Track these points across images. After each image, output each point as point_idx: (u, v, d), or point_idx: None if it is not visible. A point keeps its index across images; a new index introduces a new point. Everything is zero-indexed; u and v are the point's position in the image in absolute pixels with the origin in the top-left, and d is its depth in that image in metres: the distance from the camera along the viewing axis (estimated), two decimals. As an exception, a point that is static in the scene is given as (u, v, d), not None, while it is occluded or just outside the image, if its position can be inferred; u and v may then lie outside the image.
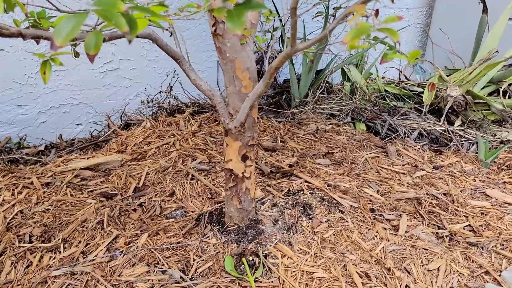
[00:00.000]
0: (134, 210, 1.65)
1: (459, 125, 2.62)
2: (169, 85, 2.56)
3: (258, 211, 1.63)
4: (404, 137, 2.44)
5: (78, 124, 2.52)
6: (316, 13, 2.06)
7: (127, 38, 0.68)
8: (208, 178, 1.83)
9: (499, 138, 2.42)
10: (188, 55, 1.38)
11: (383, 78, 3.30)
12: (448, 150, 2.34)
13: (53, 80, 2.32)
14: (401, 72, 3.02)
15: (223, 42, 1.32)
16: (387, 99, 2.84)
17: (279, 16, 2.44)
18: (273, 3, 2.72)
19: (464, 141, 2.42)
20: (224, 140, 1.46)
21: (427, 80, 3.23)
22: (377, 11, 1.08)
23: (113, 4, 0.68)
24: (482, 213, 1.77)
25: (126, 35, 0.66)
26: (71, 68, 2.34)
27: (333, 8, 2.05)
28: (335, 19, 1.17)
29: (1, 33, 0.81)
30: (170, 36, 1.35)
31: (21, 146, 2.32)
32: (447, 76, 2.96)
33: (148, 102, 2.51)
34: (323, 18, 2.72)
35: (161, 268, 1.35)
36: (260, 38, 1.41)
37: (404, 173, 2.04)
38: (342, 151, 2.18)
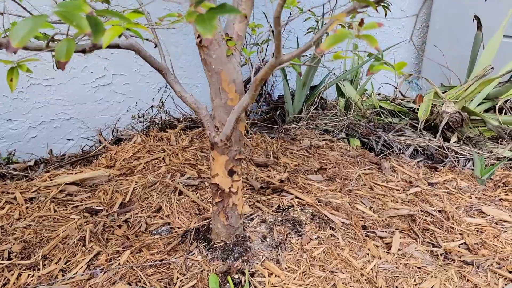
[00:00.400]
0: (119, 226, 1.60)
1: (455, 142, 2.58)
2: (161, 100, 2.54)
3: (246, 227, 1.58)
4: (399, 153, 2.40)
5: (69, 139, 2.48)
6: (308, 29, 2.05)
7: (91, 41, 0.65)
8: (196, 194, 1.79)
9: (495, 154, 2.38)
10: (172, 67, 1.36)
11: (378, 94, 3.28)
12: (444, 166, 2.30)
13: (44, 94, 2.29)
14: (396, 88, 3.00)
15: (209, 53, 1.30)
16: (382, 115, 2.82)
17: (270, 27, 2.43)
18: (265, 15, 2.72)
19: (460, 157, 2.38)
20: (210, 154, 1.42)
21: (423, 96, 3.20)
22: (361, 20, 1.06)
23: (77, 6, 0.65)
24: (478, 231, 1.72)
25: (89, 37, 0.63)
26: (62, 82, 2.32)
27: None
28: (320, 30, 1.14)
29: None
30: (155, 47, 1.33)
31: (10, 161, 2.29)
32: (443, 92, 2.94)
33: (139, 117, 2.48)
34: (315, 34, 2.71)
35: (142, 286, 1.30)
36: (247, 50, 1.39)
37: (398, 190, 2.00)
38: (335, 167, 2.14)
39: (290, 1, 1.35)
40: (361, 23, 1.06)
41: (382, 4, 1.92)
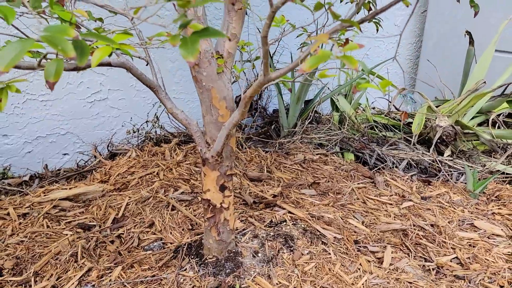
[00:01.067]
0: (112, 241, 1.60)
1: (448, 155, 2.60)
2: (155, 115, 2.56)
3: (238, 242, 1.58)
4: (393, 167, 2.41)
5: (64, 154, 2.50)
6: (301, 44, 2.08)
7: (77, 64, 0.67)
8: (189, 209, 1.80)
9: (488, 168, 2.39)
10: (163, 84, 1.37)
11: (373, 108, 3.31)
12: (437, 180, 2.31)
13: (40, 110, 2.31)
14: (390, 102, 3.03)
15: (199, 71, 1.32)
16: (376, 129, 2.84)
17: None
18: (258, 31, 2.75)
19: (454, 171, 2.39)
20: (201, 169, 1.44)
21: (418, 110, 3.24)
22: (346, 40, 1.08)
23: (62, 30, 0.67)
24: (470, 245, 1.72)
25: (74, 60, 0.65)
26: (58, 98, 2.34)
27: (317, 39, 2.06)
28: (306, 49, 1.17)
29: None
30: (147, 65, 1.35)
31: (5, 176, 2.29)
32: (437, 106, 2.96)
33: (134, 132, 2.50)
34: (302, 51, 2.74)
35: (133, 303, 1.30)
36: (238, 67, 1.41)
37: (391, 204, 2.00)
38: (328, 181, 2.15)
39: (279, 20, 1.38)
40: (346, 42, 1.09)
41: (374, 20, 1.95)
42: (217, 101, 1.36)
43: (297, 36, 2.03)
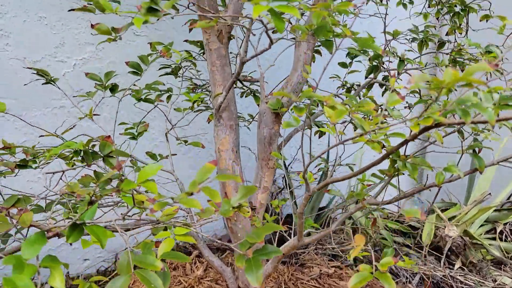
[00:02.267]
0: None
1: (459, 267, 2.66)
2: (178, 227, 2.66)
3: None
4: (406, 282, 2.47)
5: (85, 260, 2.57)
6: (318, 169, 2.23)
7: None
8: (213, 337, 1.84)
9: (500, 285, 2.45)
10: (202, 235, 1.49)
11: (382, 209, 3.41)
12: (451, 297, 2.37)
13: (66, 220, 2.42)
14: (399, 208, 3.14)
15: (235, 224, 1.45)
16: (387, 236, 2.92)
17: (289, 185, 2.64)
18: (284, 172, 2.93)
19: (466, 287, 2.45)
20: (232, 311, 1.52)
21: (426, 212, 3.35)
22: (374, 220, 1.23)
23: (151, 264, 0.80)
24: None
25: (161, 294, 0.76)
26: (85, 208, 2.46)
27: (333, 165, 2.22)
28: (336, 222, 1.30)
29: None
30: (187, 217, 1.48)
31: (28, 285, 2.35)
32: (444, 210, 3.08)
33: (157, 244, 2.59)
34: (325, 166, 2.90)
35: None
36: (268, 216, 1.54)
37: (408, 328, 2.05)
38: (345, 301, 2.21)
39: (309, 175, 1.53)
40: (374, 222, 1.22)
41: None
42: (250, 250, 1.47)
43: (316, 166, 2.19)
